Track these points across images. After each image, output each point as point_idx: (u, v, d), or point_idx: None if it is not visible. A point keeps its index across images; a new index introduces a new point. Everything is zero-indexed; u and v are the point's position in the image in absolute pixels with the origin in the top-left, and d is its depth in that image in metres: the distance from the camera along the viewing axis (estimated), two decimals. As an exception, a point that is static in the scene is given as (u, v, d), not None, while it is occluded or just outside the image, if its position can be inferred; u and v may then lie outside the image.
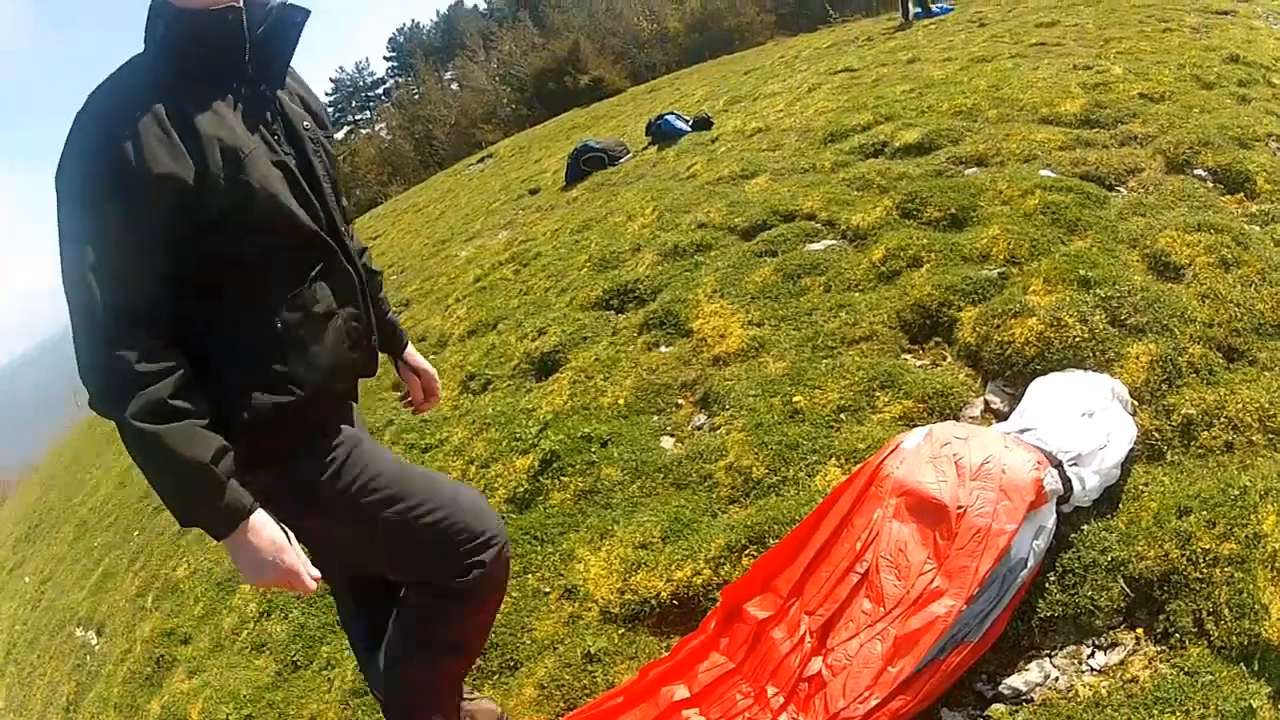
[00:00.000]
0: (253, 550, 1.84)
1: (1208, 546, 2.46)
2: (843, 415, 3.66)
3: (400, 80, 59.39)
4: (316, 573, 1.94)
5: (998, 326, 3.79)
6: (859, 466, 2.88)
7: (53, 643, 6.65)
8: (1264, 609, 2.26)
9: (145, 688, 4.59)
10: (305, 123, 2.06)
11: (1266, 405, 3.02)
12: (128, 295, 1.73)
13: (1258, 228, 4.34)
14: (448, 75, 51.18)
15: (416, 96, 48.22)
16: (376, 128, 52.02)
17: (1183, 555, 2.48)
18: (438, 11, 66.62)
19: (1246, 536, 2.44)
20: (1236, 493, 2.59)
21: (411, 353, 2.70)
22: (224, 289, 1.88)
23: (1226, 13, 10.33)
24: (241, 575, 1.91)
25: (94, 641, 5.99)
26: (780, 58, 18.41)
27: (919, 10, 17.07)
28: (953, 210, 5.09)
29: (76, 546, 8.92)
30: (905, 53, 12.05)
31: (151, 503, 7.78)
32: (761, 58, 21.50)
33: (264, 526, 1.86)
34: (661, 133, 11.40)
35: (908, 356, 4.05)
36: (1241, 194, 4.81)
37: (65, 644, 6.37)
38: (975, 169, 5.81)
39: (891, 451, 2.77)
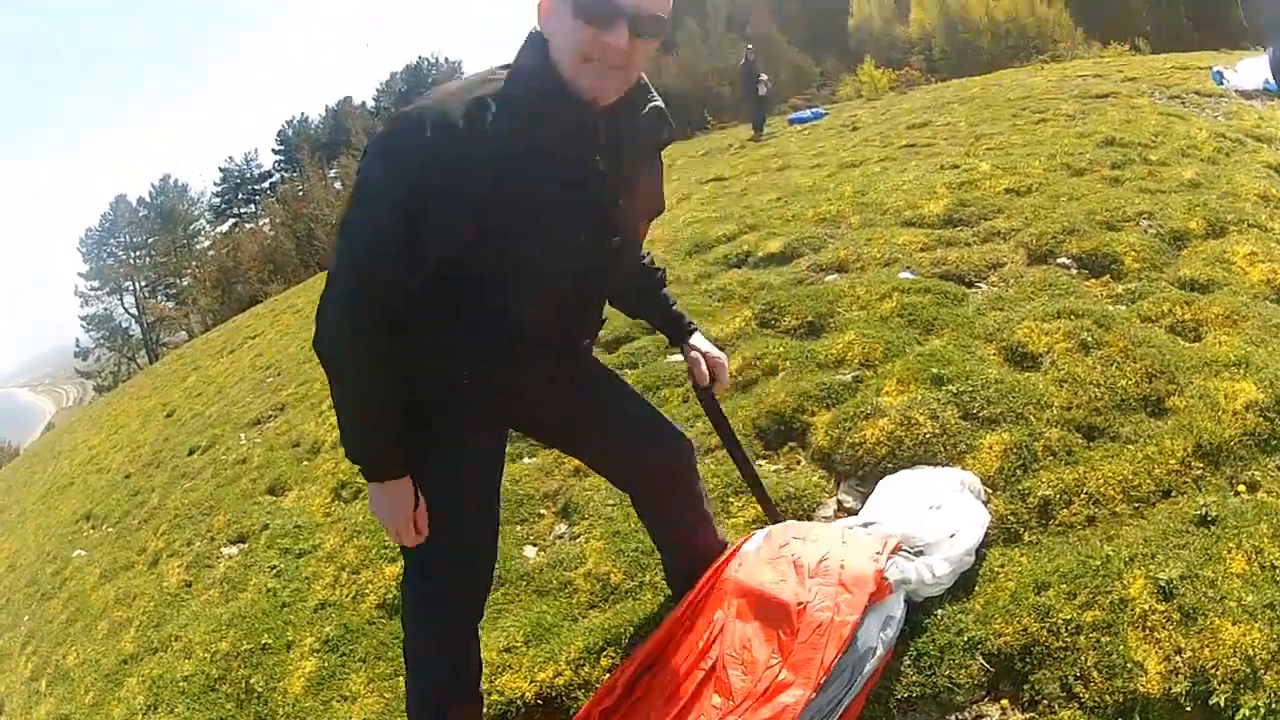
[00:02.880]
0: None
1: (1069, 616, 2.73)
2: (699, 521, 3.89)
3: (286, 175, 61.52)
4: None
5: (850, 429, 4.12)
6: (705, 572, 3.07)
7: (-50, 715, 6.79)
8: (1138, 666, 2.53)
9: (43, 775, 4.71)
10: (623, 202, 2.29)
11: (1130, 476, 3.35)
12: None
13: (1123, 307, 4.83)
14: (332, 173, 53.95)
15: (301, 193, 50.62)
16: (260, 222, 54.53)
17: (1043, 627, 2.74)
18: (326, 107, 68.61)
19: (1111, 602, 2.74)
20: (1098, 563, 2.90)
21: (696, 339, 2.94)
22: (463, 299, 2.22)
23: (1107, 96, 11.34)
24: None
25: (-7, 721, 6.34)
26: (655, 167, 19.43)
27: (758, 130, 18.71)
28: (810, 318, 5.52)
29: (-31, 625, 9.13)
30: (776, 160, 13.03)
31: (38, 590, 8.24)
32: (638, 166, 22.62)
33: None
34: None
35: (762, 462, 4.32)
36: (1107, 276, 5.36)
37: (-36, 719, 6.55)
38: (835, 275, 6.30)
39: (732, 555, 3.03)
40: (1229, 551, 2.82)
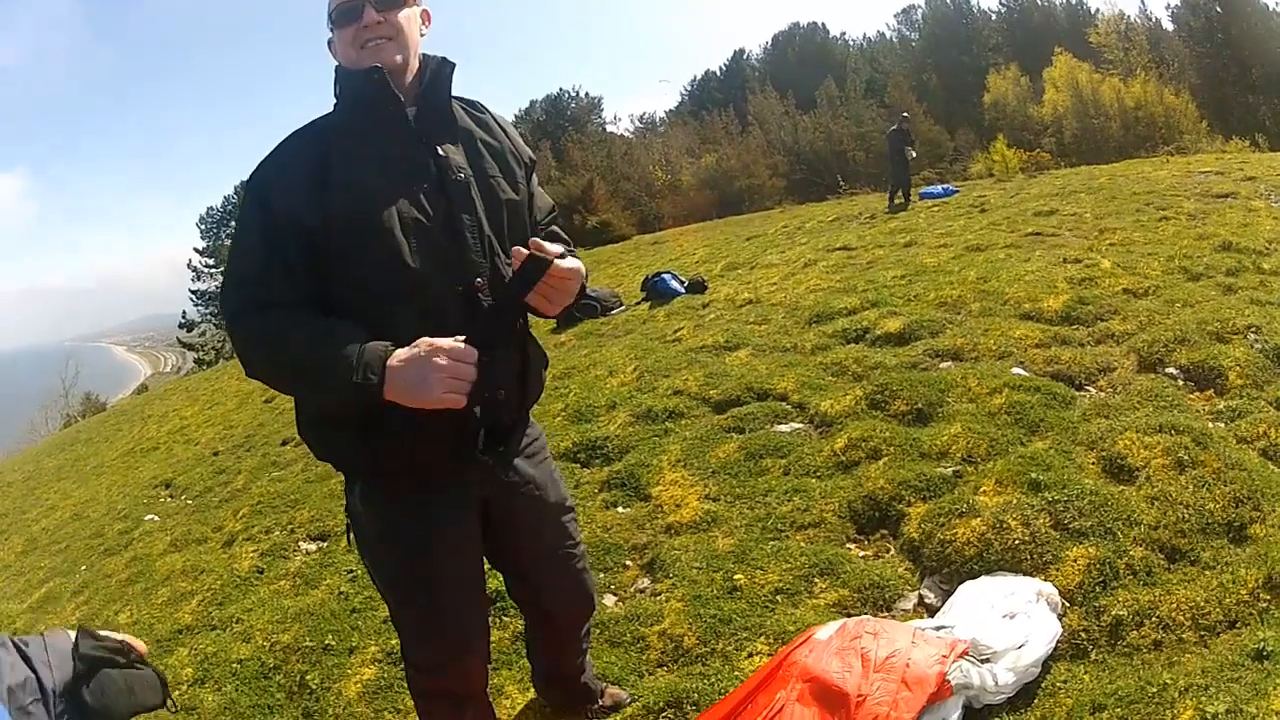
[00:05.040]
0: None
1: (1117, 742, 2.75)
2: (779, 597, 3.99)
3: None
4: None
5: (942, 524, 4.16)
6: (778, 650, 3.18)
7: (-15, 639, 6.92)
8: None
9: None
10: (462, 174, 2.33)
11: (1201, 603, 3.35)
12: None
13: (1222, 424, 4.81)
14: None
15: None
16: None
17: (1090, 750, 2.76)
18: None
19: (1158, 732, 2.75)
20: (1155, 690, 2.91)
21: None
22: (351, 315, 2.20)
23: (1227, 195, 11.24)
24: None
25: (28, 654, 6.35)
26: (783, 227, 19.88)
27: (896, 204, 18.79)
28: (920, 405, 5.57)
29: (23, 560, 9.36)
30: (904, 235, 13.09)
31: (102, 544, 8.34)
32: (766, 224, 23.18)
33: None
34: (656, 291, 12.36)
35: (852, 546, 4.39)
36: (1211, 390, 5.33)
37: (-2, 646, 6.66)
38: (950, 363, 6.34)
39: (804, 641, 3.12)
40: (1275, 689, 2.79)
